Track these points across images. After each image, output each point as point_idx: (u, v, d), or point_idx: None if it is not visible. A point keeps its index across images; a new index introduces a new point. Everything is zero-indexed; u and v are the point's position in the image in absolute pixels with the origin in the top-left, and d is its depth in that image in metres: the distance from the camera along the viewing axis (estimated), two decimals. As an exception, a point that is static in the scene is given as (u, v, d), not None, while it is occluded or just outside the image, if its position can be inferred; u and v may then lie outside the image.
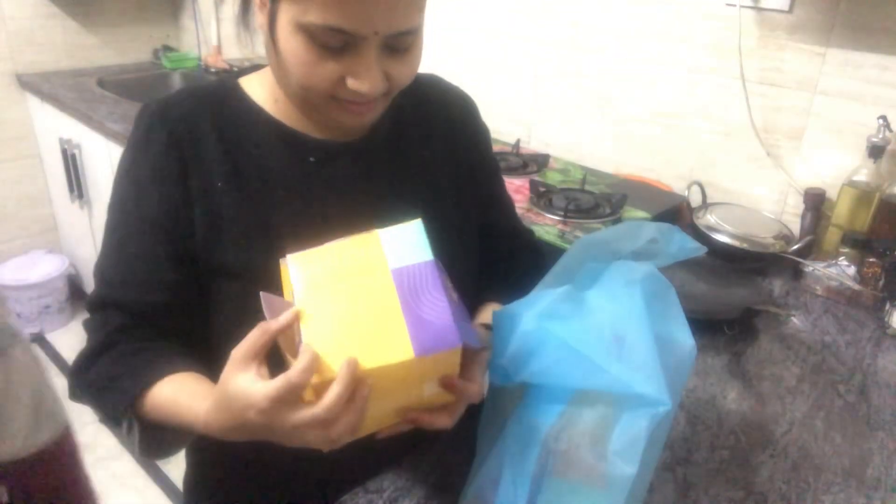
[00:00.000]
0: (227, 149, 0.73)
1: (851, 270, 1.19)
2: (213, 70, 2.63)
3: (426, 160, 0.82)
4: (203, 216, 0.72)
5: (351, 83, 0.65)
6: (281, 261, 0.61)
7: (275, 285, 0.63)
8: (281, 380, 0.54)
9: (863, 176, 1.23)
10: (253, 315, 0.61)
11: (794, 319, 1.13)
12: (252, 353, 0.57)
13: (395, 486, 0.74)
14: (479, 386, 0.63)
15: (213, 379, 0.64)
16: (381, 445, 0.65)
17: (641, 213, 1.39)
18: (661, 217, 1.39)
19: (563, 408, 0.61)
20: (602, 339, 0.60)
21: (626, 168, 1.66)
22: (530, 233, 0.99)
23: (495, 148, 0.97)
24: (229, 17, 2.63)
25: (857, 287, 1.17)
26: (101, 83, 2.44)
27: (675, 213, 1.44)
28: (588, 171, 1.58)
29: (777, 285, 1.24)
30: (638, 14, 1.55)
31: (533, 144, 1.84)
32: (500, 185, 0.94)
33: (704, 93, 1.48)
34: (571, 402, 0.61)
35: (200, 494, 0.91)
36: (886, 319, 1.11)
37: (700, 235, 1.30)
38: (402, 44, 0.65)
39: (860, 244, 1.19)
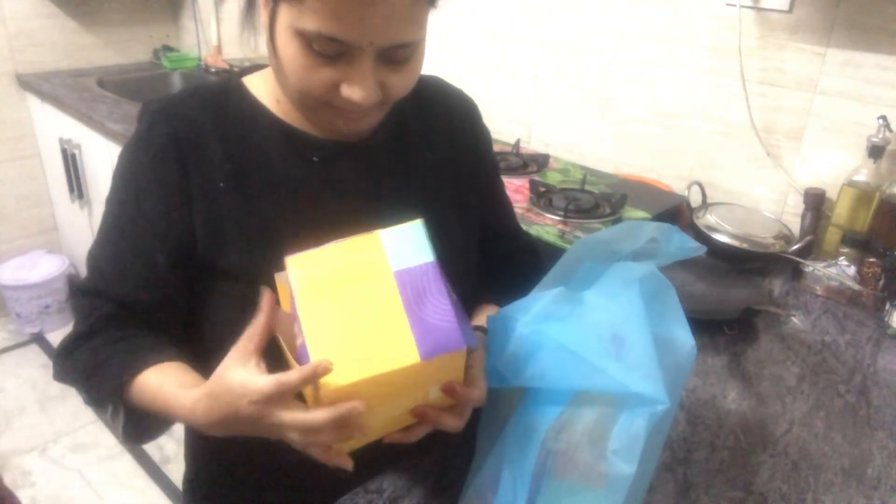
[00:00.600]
0: (230, 148, 0.73)
1: (851, 270, 1.19)
2: (213, 70, 2.63)
3: (428, 161, 0.82)
4: (204, 216, 0.72)
5: (345, 91, 0.64)
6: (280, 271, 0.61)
7: (275, 286, 0.63)
8: (280, 379, 0.54)
9: (863, 176, 1.23)
10: (252, 315, 0.61)
11: (794, 319, 1.13)
12: (251, 347, 0.57)
13: (395, 486, 0.74)
14: (481, 390, 0.63)
15: (205, 375, 0.64)
16: (381, 445, 0.65)
17: (641, 213, 1.39)
18: (661, 217, 1.39)
19: (562, 408, 0.61)
20: (600, 339, 0.60)
21: (626, 168, 1.66)
22: (529, 235, 0.99)
23: (495, 148, 0.97)
24: (229, 17, 2.64)
25: (857, 287, 1.17)
26: (101, 83, 2.44)
27: (675, 213, 1.44)
28: (588, 171, 1.58)
29: (777, 285, 1.24)
30: (638, 15, 1.55)
31: (533, 144, 1.84)
32: (501, 188, 0.94)
33: (704, 93, 1.48)
34: (570, 402, 0.61)
35: (200, 494, 0.91)
36: (886, 319, 1.11)
37: (700, 235, 1.30)
38: (399, 55, 0.65)
39: (860, 244, 1.19)
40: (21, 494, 1.84)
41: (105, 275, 0.74)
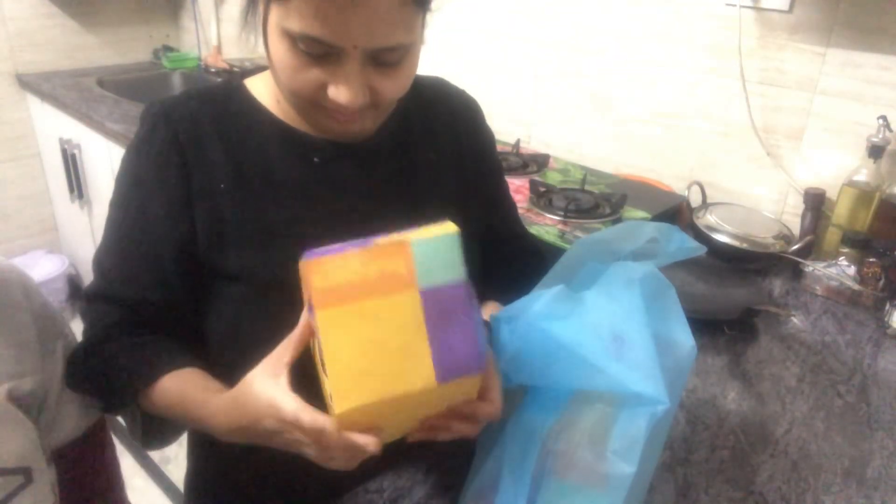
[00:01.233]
0: (231, 149, 0.73)
1: (851, 270, 1.19)
2: (213, 70, 2.62)
3: (431, 162, 0.82)
4: (205, 217, 0.72)
5: (331, 92, 0.64)
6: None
7: (277, 287, 0.63)
8: (313, 414, 0.54)
9: (863, 176, 1.23)
10: (255, 316, 0.61)
11: (794, 319, 1.13)
12: (285, 359, 0.58)
13: (395, 486, 0.74)
14: (496, 408, 0.62)
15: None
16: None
17: (641, 213, 1.39)
18: (661, 217, 1.39)
19: (563, 408, 0.61)
20: (600, 338, 0.60)
21: (626, 168, 1.66)
22: (532, 237, 0.99)
23: (495, 148, 0.96)
24: (229, 17, 2.63)
25: (857, 287, 1.17)
26: (101, 83, 2.44)
27: (675, 213, 1.44)
28: (588, 171, 1.58)
29: (777, 285, 1.24)
30: (638, 15, 1.55)
31: (533, 144, 1.84)
32: (504, 189, 0.94)
33: (704, 93, 1.48)
34: (570, 402, 0.61)
35: (201, 494, 0.91)
36: (886, 319, 1.11)
37: (700, 235, 1.30)
38: (388, 59, 0.64)
39: (860, 244, 1.19)
40: (21, 494, 1.83)
41: (113, 279, 0.74)
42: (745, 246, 1.27)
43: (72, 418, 0.78)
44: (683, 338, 0.63)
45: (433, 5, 0.67)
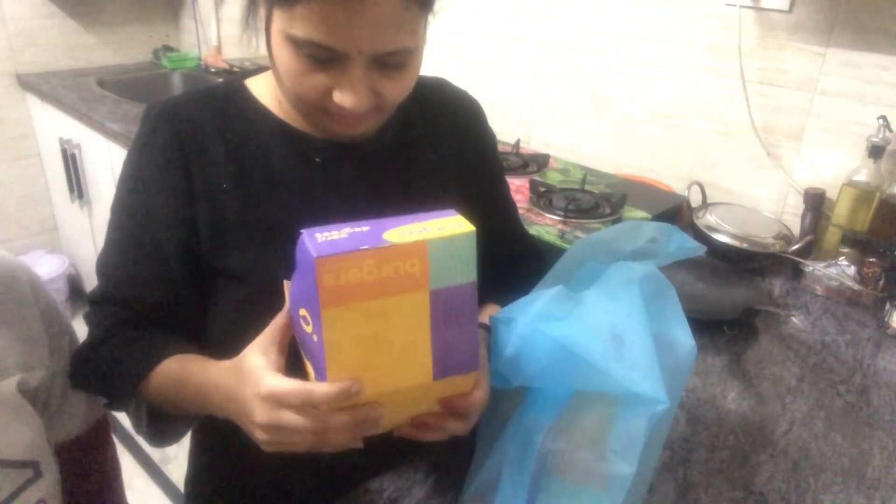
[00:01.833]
0: (232, 150, 0.73)
1: (851, 270, 1.19)
2: (213, 70, 2.63)
3: (432, 163, 0.82)
4: (207, 217, 0.72)
5: (336, 97, 0.64)
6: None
7: (278, 287, 0.63)
8: (298, 386, 0.54)
9: (863, 176, 1.23)
10: (256, 317, 0.61)
11: (794, 319, 1.13)
12: (271, 339, 0.58)
13: (395, 486, 0.74)
14: (483, 391, 0.62)
15: None
16: (381, 446, 0.65)
17: (641, 213, 1.39)
18: (661, 217, 1.38)
19: (562, 408, 0.61)
20: (600, 339, 0.60)
21: (626, 168, 1.66)
22: (533, 238, 0.99)
23: (495, 148, 0.96)
24: (229, 17, 2.63)
25: (857, 287, 1.17)
26: (101, 83, 2.44)
27: (675, 213, 1.44)
28: (588, 171, 1.58)
29: (777, 285, 1.24)
30: (638, 15, 1.55)
31: (533, 144, 1.84)
32: (505, 190, 0.94)
33: (704, 93, 1.48)
34: (570, 402, 0.61)
35: (201, 495, 0.91)
36: (886, 319, 1.11)
37: (700, 235, 1.30)
38: (392, 62, 0.64)
39: (860, 244, 1.19)
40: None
41: (117, 280, 0.74)
42: (745, 246, 1.27)
43: (76, 415, 0.79)
44: (683, 338, 0.63)
45: (435, 7, 0.67)
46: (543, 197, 1.43)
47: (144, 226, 0.72)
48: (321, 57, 0.62)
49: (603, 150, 1.71)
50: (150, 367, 0.69)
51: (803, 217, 1.34)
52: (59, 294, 2.61)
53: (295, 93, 0.67)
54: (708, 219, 1.33)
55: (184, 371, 0.68)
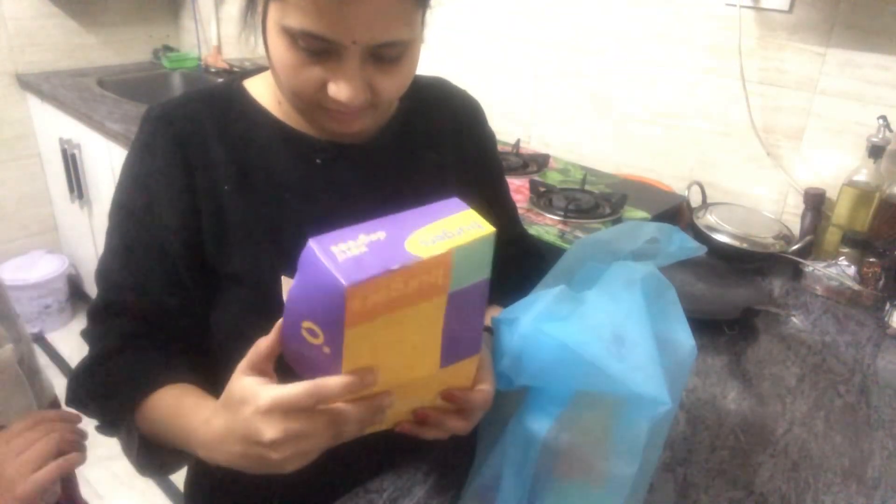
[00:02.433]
0: (232, 151, 0.73)
1: (851, 270, 1.19)
2: (212, 70, 2.62)
3: (433, 163, 0.82)
4: (209, 219, 0.72)
5: (331, 90, 0.64)
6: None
7: (280, 288, 0.63)
8: (305, 385, 0.52)
9: (863, 176, 1.23)
10: (258, 319, 0.61)
11: (794, 319, 1.13)
12: (259, 358, 0.56)
13: (395, 486, 0.74)
14: (486, 392, 0.62)
15: (215, 388, 0.63)
16: (381, 446, 0.65)
17: (641, 213, 1.39)
18: (661, 217, 1.39)
19: (564, 408, 0.61)
20: (601, 339, 0.60)
21: (626, 168, 1.66)
22: (533, 239, 0.99)
23: (495, 148, 0.96)
24: (229, 17, 2.63)
25: (857, 287, 1.17)
26: (101, 83, 2.44)
27: (675, 213, 1.44)
28: (588, 171, 1.58)
29: (777, 285, 1.24)
30: (638, 15, 1.55)
31: (533, 144, 1.84)
32: (505, 190, 0.94)
33: (704, 93, 1.48)
34: (571, 402, 0.61)
35: (201, 495, 0.91)
36: (886, 319, 1.11)
37: (700, 235, 1.30)
38: (387, 55, 0.64)
39: (860, 244, 1.19)
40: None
41: (121, 286, 0.73)
42: (745, 246, 1.27)
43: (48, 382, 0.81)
44: (684, 338, 0.63)
45: (432, 1, 0.67)
46: (543, 197, 1.43)
47: (149, 229, 0.71)
48: (316, 48, 0.62)
49: (603, 150, 1.71)
50: (143, 393, 0.68)
51: (803, 217, 1.34)
52: (59, 294, 2.61)
53: (291, 88, 0.66)
54: (708, 219, 1.33)
55: (177, 405, 0.66)
